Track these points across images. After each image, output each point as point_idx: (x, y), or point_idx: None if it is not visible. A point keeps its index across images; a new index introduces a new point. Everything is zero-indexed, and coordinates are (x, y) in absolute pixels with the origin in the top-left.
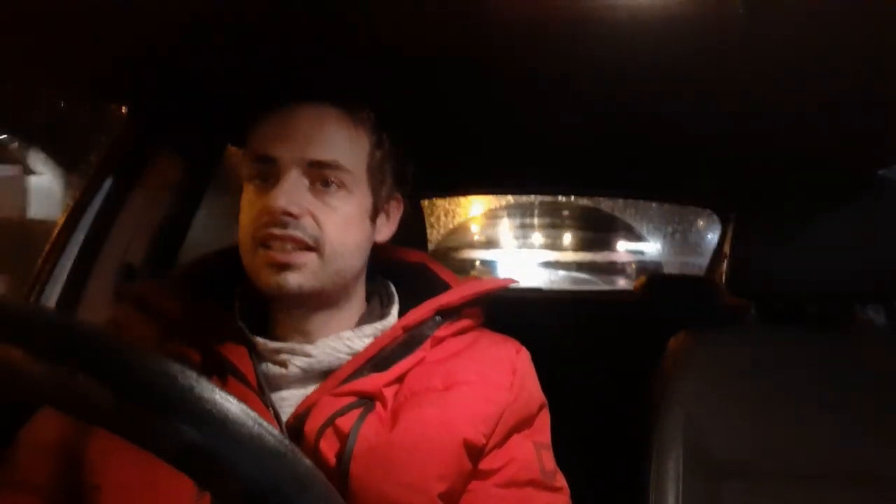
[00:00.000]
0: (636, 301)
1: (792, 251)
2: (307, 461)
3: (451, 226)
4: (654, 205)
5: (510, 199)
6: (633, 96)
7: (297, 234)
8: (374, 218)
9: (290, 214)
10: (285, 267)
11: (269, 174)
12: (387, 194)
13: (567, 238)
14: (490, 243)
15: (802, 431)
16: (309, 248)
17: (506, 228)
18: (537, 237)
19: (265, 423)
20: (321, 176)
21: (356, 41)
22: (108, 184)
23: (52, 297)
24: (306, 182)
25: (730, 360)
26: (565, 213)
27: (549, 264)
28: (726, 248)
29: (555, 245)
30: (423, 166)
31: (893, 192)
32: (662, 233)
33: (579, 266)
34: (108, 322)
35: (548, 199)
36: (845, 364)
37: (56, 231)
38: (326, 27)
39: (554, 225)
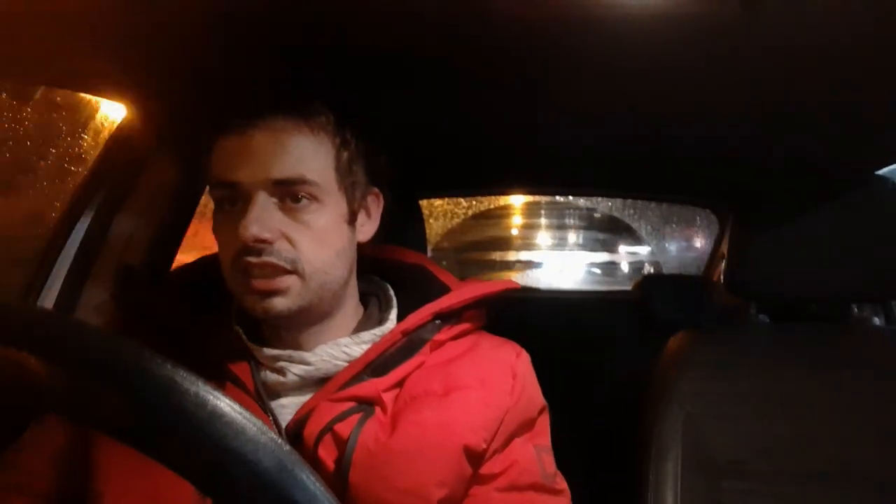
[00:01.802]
0: (634, 301)
1: (790, 251)
2: (310, 469)
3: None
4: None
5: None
6: (632, 96)
7: (272, 259)
8: (352, 221)
9: (263, 241)
10: (269, 294)
11: (236, 198)
12: (362, 193)
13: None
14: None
15: (801, 431)
16: (288, 272)
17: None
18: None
19: (271, 433)
20: (289, 192)
21: (357, 41)
22: (106, 184)
23: (49, 299)
24: (275, 201)
25: (728, 360)
26: (596, 216)
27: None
28: (724, 248)
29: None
30: (423, 166)
31: (893, 192)
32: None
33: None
34: (106, 326)
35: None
36: (844, 364)
37: (53, 231)
38: (328, 26)
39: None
